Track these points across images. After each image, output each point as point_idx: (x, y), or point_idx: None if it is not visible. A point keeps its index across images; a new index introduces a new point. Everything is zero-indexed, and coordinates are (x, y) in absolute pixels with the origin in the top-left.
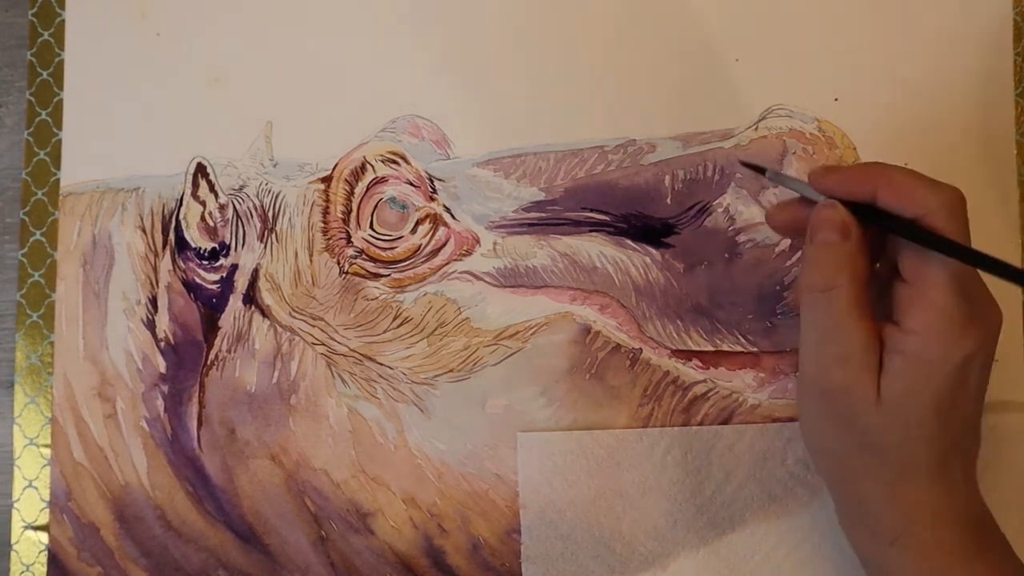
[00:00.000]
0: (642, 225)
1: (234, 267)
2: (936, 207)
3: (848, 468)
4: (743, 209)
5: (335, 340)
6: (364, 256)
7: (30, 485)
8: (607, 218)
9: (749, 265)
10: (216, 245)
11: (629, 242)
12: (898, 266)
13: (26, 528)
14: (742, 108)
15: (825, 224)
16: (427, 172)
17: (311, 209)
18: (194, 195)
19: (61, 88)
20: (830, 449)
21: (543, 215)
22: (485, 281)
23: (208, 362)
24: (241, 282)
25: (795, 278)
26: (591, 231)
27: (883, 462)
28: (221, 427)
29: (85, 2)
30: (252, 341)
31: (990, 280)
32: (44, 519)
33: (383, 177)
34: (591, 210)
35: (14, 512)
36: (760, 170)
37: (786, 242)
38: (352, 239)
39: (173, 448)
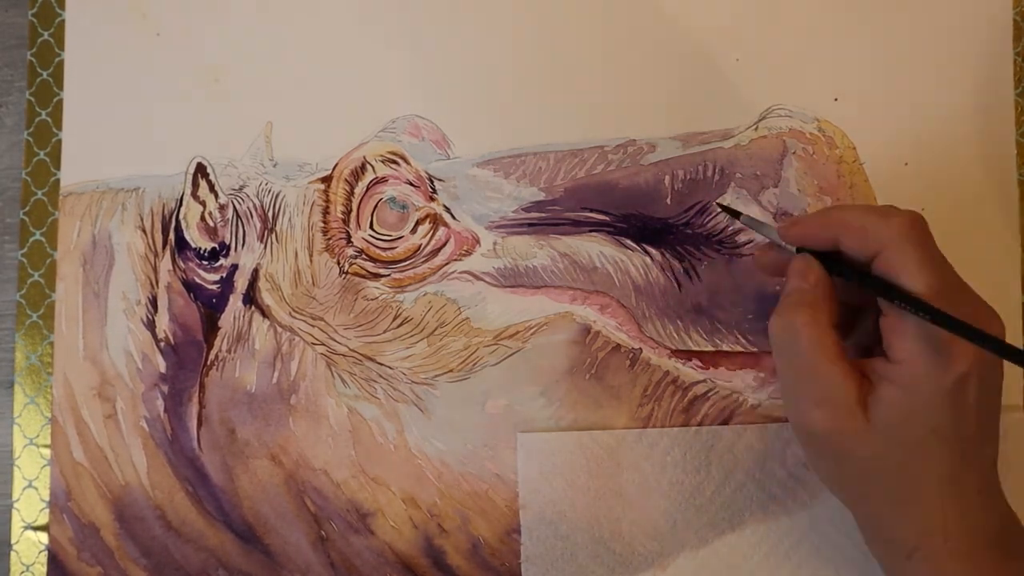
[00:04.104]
0: (642, 225)
1: (234, 267)
2: (889, 239)
3: (855, 493)
4: (743, 209)
5: (335, 340)
6: (364, 256)
7: (30, 485)
8: (607, 218)
9: (749, 265)
10: (216, 245)
11: (629, 242)
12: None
13: (26, 528)
14: (742, 108)
15: (794, 273)
16: (427, 172)
17: (311, 209)
18: (194, 195)
19: (61, 88)
20: (833, 479)
21: (543, 215)
22: (485, 281)
23: (208, 362)
24: (241, 282)
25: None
26: (591, 231)
27: (886, 486)
28: (221, 427)
29: (85, 2)
30: (252, 341)
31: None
32: (44, 519)
33: (383, 177)
34: (591, 210)
35: (14, 512)
36: (735, 214)
37: None
38: (352, 239)
39: (173, 448)
